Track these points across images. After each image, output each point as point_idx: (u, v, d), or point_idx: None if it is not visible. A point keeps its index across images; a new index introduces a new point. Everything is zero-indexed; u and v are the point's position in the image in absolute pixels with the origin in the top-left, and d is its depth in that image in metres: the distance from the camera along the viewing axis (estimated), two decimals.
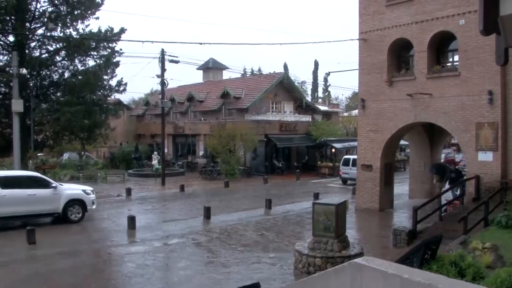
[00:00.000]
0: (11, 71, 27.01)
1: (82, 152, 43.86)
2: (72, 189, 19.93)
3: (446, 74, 18.75)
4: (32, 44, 29.26)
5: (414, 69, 19.93)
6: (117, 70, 31.41)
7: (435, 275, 3.34)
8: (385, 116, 20.99)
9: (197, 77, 58.96)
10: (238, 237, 16.64)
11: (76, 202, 19.19)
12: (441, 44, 19.71)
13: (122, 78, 31.69)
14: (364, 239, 15.78)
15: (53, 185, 18.57)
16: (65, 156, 45.71)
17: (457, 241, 12.28)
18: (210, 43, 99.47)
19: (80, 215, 19.30)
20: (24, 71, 26.02)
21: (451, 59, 20.11)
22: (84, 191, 19.75)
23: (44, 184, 18.46)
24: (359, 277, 3.54)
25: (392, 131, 20.81)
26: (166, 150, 42.42)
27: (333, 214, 11.72)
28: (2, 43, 28.74)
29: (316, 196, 24.46)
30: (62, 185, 19.87)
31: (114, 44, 30.19)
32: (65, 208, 18.86)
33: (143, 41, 20.92)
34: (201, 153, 45.04)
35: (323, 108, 55.06)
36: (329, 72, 33.56)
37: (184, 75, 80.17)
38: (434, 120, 19.28)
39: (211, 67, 52.47)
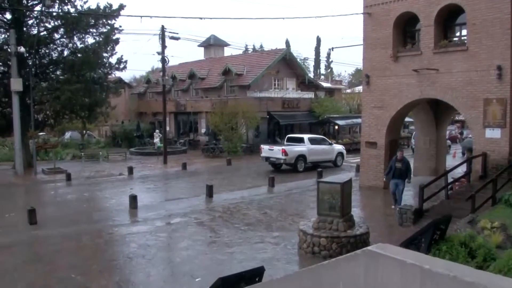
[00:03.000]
0: (9, 50, 26.59)
1: (84, 131, 43.63)
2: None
3: (454, 49, 18.26)
4: (30, 22, 28.77)
5: (421, 44, 19.44)
6: (117, 48, 31.16)
7: (459, 265, 3.06)
8: (390, 92, 20.58)
9: (198, 54, 58.27)
10: (241, 216, 16.43)
11: None
12: (449, 18, 19.18)
13: (122, 56, 31.27)
14: (369, 217, 15.54)
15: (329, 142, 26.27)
16: (67, 135, 45.55)
17: (465, 220, 12.04)
18: (210, 18, 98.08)
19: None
20: (22, 49, 25.59)
21: (458, 34, 19.58)
22: None
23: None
24: (374, 266, 3.26)
25: (397, 107, 20.42)
26: (168, 128, 42.09)
27: (339, 192, 11.45)
28: None
29: (320, 174, 24.21)
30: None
31: (113, 21, 29.71)
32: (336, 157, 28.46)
33: (141, 16, 20.46)
34: (203, 130, 44.74)
35: (326, 84, 54.52)
36: (333, 48, 33.09)
37: (185, 53, 79.80)
38: (441, 96, 18.87)
39: (213, 44, 51.88)
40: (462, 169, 19.39)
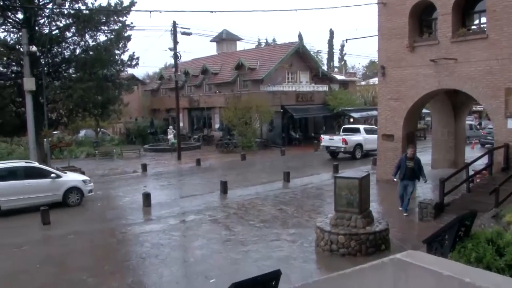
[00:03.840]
0: (21, 49, 26.42)
1: (98, 129, 43.57)
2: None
3: (473, 37, 17.67)
4: (42, 21, 28.50)
5: (438, 33, 18.88)
6: (129, 45, 30.67)
7: (504, 278, 2.66)
8: (406, 83, 20.05)
9: (211, 49, 58.09)
10: (256, 212, 16.09)
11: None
12: (467, 5, 18.59)
13: (134, 53, 30.90)
14: (387, 212, 15.10)
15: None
16: (82, 133, 45.52)
17: (488, 215, 11.59)
18: (221, 11, 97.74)
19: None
20: (34, 48, 25.38)
21: (477, 21, 18.98)
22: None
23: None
24: (404, 277, 2.89)
25: (414, 99, 19.89)
26: (181, 124, 41.91)
27: (357, 188, 11.06)
28: (11, 20, 28.09)
29: (336, 168, 23.81)
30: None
31: (125, 18, 29.32)
32: None
33: (151, 11, 20.11)
34: (217, 126, 44.45)
35: (339, 77, 53.86)
36: (347, 39, 32.26)
37: (198, 48, 79.44)
38: (460, 86, 18.30)
39: (225, 39, 51.49)
40: (482, 161, 18.80)
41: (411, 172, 14.54)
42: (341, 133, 32.28)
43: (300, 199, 18.24)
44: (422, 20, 20.20)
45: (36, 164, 19.17)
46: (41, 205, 16.21)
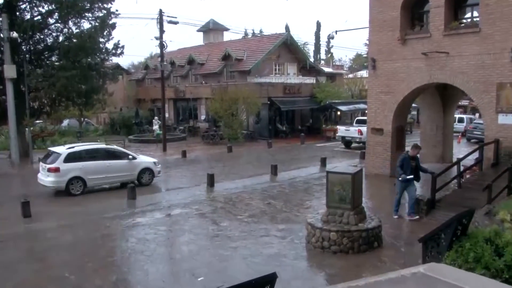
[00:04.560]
0: (1, 35, 25.72)
1: (82, 119, 42.83)
2: None
3: (465, 31, 17.44)
4: (23, 6, 27.80)
5: (430, 26, 18.62)
6: (114, 33, 30.12)
7: None
8: (397, 76, 19.80)
9: (198, 39, 57.31)
10: (244, 206, 15.76)
11: None
12: None
13: (119, 41, 30.31)
14: (378, 208, 14.83)
15: None
16: (65, 123, 44.76)
17: (481, 212, 11.35)
18: None
19: None
20: (15, 34, 24.77)
21: (470, 15, 18.77)
22: None
23: None
24: None
25: (405, 92, 19.65)
26: (167, 115, 41.32)
27: (349, 183, 10.74)
28: None
29: (323, 161, 23.58)
30: None
31: (110, 5, 28.73)
32: None
33: None
34: (202, 117, 43.97)
35: (327, 69, 53.59)
36: (336, 31, 31.98)
37: (184, 38, 78.55)
38: (451, 80, 18.08)
39: (212, 29, 50.85)
40: (472, 157, 18.63)
41: (415, 172, 13.56)
42: (354, 124, 33.29)
43: (288, 193, 17.93)
44: (414, 13, 19.95)
45: (115, 147, 21.33)
46: (119, 183, 19.22)
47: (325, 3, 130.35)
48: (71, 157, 18.26)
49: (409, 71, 19.26)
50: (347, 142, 31.83)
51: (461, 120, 39.32)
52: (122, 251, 11.58)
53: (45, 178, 18.19)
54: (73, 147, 19.22)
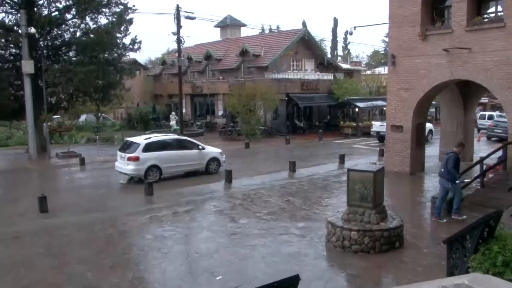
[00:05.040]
0: (19, 31, 25.82)
1: (99, 114, 42.97)
2: None
3: (489, 26, 16.97)
4: (41, 2, 27.89)
5: (451, 22, 18.17)
6: (131, 28, 30.10)
7: None
8: (417, 73, 19.40)
9: (215, 35, 57.17)
10: (262, 203, 15.56)
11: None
12: None
13: (136, 36, 30.33)
14: (398, 206, 14.49)
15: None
16: (82, 118, 44.94)
17: (507, 213, 11.03)
18: None
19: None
20: (33, 30, 24.82)
21: (494, 9, 18.30)
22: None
23: None
24: None
25: (425, 89, 19.24)
26: (184, 110, 41.26)
27: (371, 182, 10.47)
28: (9, 1, 27.46)
29: (342, 158, 23.30)
30: None
31: (127, 0, 28.78)
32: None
33: None
34: (220, 113, 43.85)
35: (345, 66, 53.10)
36: (355, 27, 31.59)
37: (201, 34, 78.36)
38: (473, 77, 17.64)
39: (229, 24, 50.67)
40: (494, 156, 18.20)
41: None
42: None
43: (307, 190, 17.69)
44: (435, 8, 19.50)
45: (186, 138, 22.67)
46: (189, 172, 20.38)
47: None
48: (149, 147, 19.51)
49: (430, 67, 18.86)
50: (381, 137, 31.01)
51: (491, 118, 38.32)
52: (138, 248, 11.44)
53: (125, 166, 19.41)
54: (149, 138, 20.57)
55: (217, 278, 9.31)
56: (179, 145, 20.84)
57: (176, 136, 22.77)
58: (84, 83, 27.12)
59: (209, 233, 12.43)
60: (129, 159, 19.16)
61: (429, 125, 30.85)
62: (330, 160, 24.38)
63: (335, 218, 11.03)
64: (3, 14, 27.80)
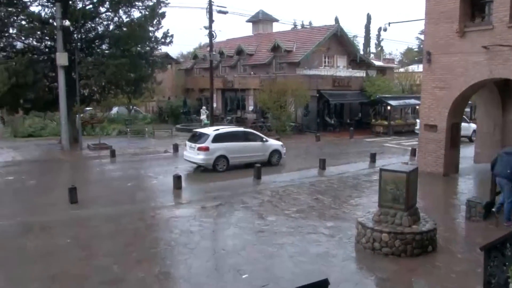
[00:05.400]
0: (54, 24, 26.17)
1: (130, 107, 43.34)
2: None
3: None
4: None
5: (492, 17, 17.52)
6: (163, 22, 30.17)
7: None
8: (454, 71, 18.83)
9: (246, 30, 57.04)
10: (291, 200, 15.36)
11: None
12: None
13: (168, 30, 30.39)
14: (431, 209, 14.03)
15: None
16: (114, 110, 45.37)
17: None
18: None
19: None
20: (67, 23, 25.13)
21: None
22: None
23: None
24: None
25: (462, 88, 18.66)
26: (215, 105, 41.27)
27: (404, 182, 10.13)
28: None
29: (373, 156, 22.91)
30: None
31: None
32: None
33: None
34: (250, 108, 43.70)
35: (377, 63, 52.27)
36: (389, 23, 30.96)
37: (233, 28, 78.37)
38: None
39: (261, 19, 50.36)
40: None
41: None
42: None
43: (337, 188, 17.40)
44: (475, 4, 18.87)
45: (251, 130, 23.99)
46: (253, 163, 20.38)
47: None
48: (217, 138, 20.58)
49: (467, 65, 18.27)
50: None
51: None
52: (165, 243, 11.38)
53: (195, 156, 20.52)
54: (218, 129, 21.73)
55: (243, 276, 9.15)
56: (245, 137, 21.94)
57: (242, 128, 24.23)
58: (116, 76, 27.34)
59: (236, 229, 12.29)
60: (199, 149, 20.22)
61: (473, 125, 30.54)
62: (361, 159, 24.00)
63: (366, 219, 10.74)
64: (40, 7, 28.30)
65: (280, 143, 23.18)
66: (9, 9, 26.44)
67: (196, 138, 21.16)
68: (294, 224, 12.64)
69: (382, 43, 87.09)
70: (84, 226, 12.85)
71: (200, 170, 20.82)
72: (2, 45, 27.91)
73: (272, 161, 22.13)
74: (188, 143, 21.38)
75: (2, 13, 25.60)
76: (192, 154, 20.74)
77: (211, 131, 21.28)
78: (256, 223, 12.90)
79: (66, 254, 10.62)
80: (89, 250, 11.01)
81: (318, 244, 10.97)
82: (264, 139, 22.22)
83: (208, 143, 20.20)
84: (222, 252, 10.65)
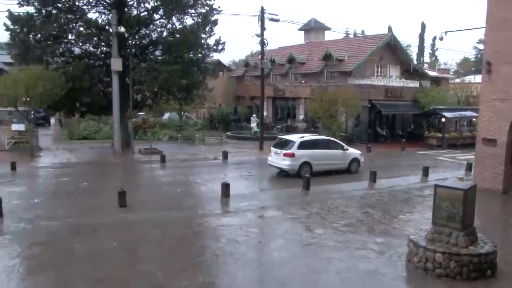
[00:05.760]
0: (110, 30, 26.87)
1: (182, 113, 43.86)
2: None
3: None
4: (131, 3, 28.88)
5: None
6: (216, 29, 30.39)
7: None
8: None
9: (298, 38, 56.84)
10: (340, 213, 14.98)
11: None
12: None
13: (220, 37, 30.60)
14: (489, 229, 13.26)
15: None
16: (166, 116, 46.03)
17: None
18: None
19: None
20: (122, 29, 25.77)
21: None
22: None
23: None
24: None
25: None
26: (265, 113, 41.21)
27: (460, 200, 9.62)
28: (103, 2, 28.65)
29: (426, 170, 22.21)
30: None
31: (212, 1, 29.11)
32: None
33: None
34: (301, 117, 43.39)
35: (432, 73, 50.90)
36: (446, 32, 29.90)
37: (285, 36, 78.25)
38: None
39: (313, 28, 50.07)
40: None
41: None
42: None
43: (387, 202, 16.86)
44: None
45: (333, 138, 24.31)
46: (334, 170, 21.83)
47: (431, 3, 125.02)
48: (302, 145, 21.33)
49: None
50: None
51: None
52: (211, 252, 11.26)
53: (281, 162, 21.35)
54: (303, 137, 22.47)
55: None
56: (327, 145, 22.56)
57: (324, 137, 24.72)
58: (168, 82, 27.73)
59: (283, 241, 12.05)
60: (285, 155, 21.04)
61: None
62: (413, 172, 23.30)
63: (418, 237, 10.26)
64: (97, 14, 29.14)
65: (359, 152, 23.66)
66: (69, 16, 27.30)
67: (281, 144, 21.98)
68: (342, 238, 12.28)
69: (436, 53, 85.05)
70: (132, 230, 12.95)
71: (272, 175, 20.67)
72: (61, 50, 28.88)
73: (352, 169, 22.56)
74: (273, 149, 22.16)
75: (62, 20, 26.42)
76: (277, 159, 21.55)
77: (296, 138, 22.05)
78: (303, 235, 12.62)
79: (112, 257, 10.71)
80: (135, 254, 11.05)
81: (367, 260, 10.58)
82: (344, 147, 22.82)
83: (294, 150, 20.97)
84: (268, 263, 10.43)
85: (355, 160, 22.80)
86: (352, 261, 10.50)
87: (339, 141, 23.73)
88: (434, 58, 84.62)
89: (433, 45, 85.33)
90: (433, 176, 21.50)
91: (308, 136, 23.15)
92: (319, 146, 22.00)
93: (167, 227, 13.13)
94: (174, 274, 9.74)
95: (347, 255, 10.94)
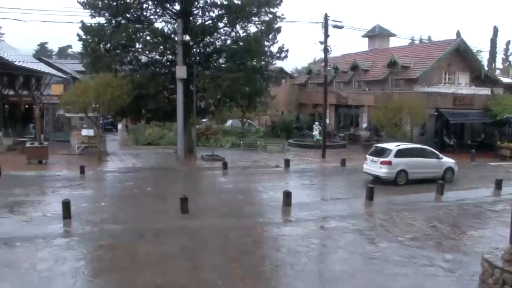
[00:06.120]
0: (175, 39, 27.42)
1: (244, 120, 44.08)
2: None
3: None
4: (196, 12, 29.34)
5: None
6: (279, 37, 30.32)
7: None
8: None
9: (362, 45, 55.94)
10: (405, 226, 14.44)
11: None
12: None
13: (283, 45, 30.49)
14: None
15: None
16: (228, 123, 46.42)
17: None
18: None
19: None
20: (187, 38, 26.25)
21: None
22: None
23: None
24: None
25: None
26: (327, 121, 40.67)
27: None
28: (169, 11, 29.32)
29: (499, 183, 21.06)
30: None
31: (276, 9, 29.07)
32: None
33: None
34: (364, 125, 42.54)
35: (505, 80, 48.58)
36: None
37: (348, 43, 77.17)
38: None
39: (378, 34, 48.98)
40: None
41: None
42: None
43: (456, 216, 16.12)
44: None
45: (428, 147, 24.39)
46: (425, 179, 21.70)
47: (504, 6, 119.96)
48: (399, 153, 21.62)
49: None
50: None
51: None
52: (271, 262, 11.08)
53: (378, 169, 21.65)
54: (399, 145, 22.55)
55: None
56: (423, 153, 22.80)
57: (420, 145, 24.77)
58: (231, 89, 27.92)
59: (345, 253, 11.72)
60: (382, 163, 21.40)
61: None
62: (484, 185, 22.21)
63: (494, 256, 9.58)
64: (163, 23, 29.88)
65: (453, 161, 23.52)
66: (137, 25, 28.11)
67: (378, 152, 22.26)
68: (407, 253, 11.77)
69: (510, 58, 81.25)
70: (193, 237, 12.96)
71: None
72: (129, 59, 29.80)
73: (446, 177, 22.20)
74: (369, 157, 22.38)
75: (130, 29, 27.18)
76: (374, 167, 21.82)
77: (393, 146, 22.22)
78: (366, 248, 12.23)
79: (173, 263, 10.77)
80: (195, 261, 11.09)
81: (435, 279, 10.06)
82: (439, 156, 22.84)
83: (391, 158, 21.31)
84: (329, 276, 10.20)
85: (449, 169, 22.76)
86: (419, 279, 10.03)
87: (434, 150, 23.70)
88: (507, 63, 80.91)
89: (506, 50, 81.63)
90: (507, 189, 20.40)
91: (405, 145, 23.35)
92: (415, 155, 22.19)
93: (228, 235, 13.10)
94: (234, 283, 9.66)
95: (413, 272, 10.46)
